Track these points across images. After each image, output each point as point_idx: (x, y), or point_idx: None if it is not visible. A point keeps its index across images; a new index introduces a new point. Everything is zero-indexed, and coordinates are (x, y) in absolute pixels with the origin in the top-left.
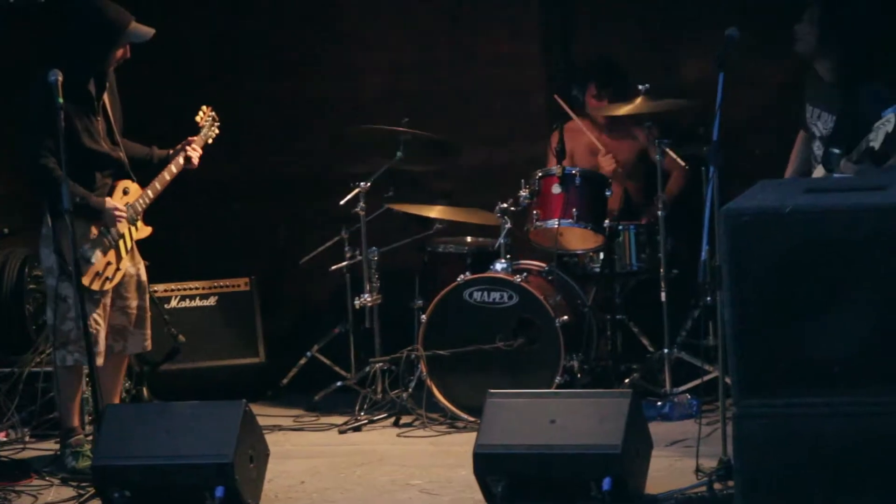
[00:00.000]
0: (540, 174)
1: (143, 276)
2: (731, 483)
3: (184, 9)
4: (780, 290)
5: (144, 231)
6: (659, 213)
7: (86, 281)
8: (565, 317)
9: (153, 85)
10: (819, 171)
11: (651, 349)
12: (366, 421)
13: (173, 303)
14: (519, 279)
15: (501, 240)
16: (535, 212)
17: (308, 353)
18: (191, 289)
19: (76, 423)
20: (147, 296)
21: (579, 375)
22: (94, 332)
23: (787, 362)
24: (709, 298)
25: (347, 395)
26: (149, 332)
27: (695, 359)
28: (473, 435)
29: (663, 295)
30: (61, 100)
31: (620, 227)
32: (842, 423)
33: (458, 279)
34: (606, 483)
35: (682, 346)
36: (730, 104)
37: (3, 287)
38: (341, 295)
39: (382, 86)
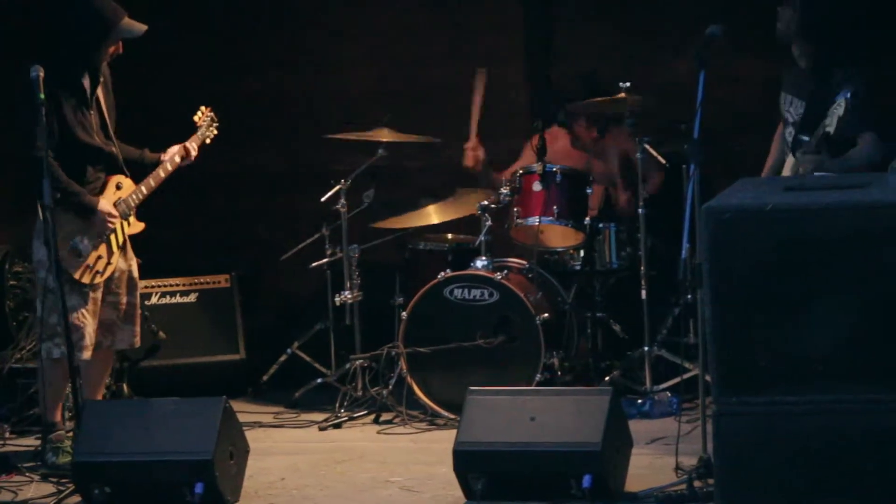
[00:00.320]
0: (521, 171)
1: (135, 273)
2: (711, 481)
3: (167, 6)
4: (760, 288)
5: (137, 227)
6: (639, 210)
7: (76, 274)
8: (546, 314)
9: (131, 81)
10: (790, 160)
11: (631, 347)
12: (346, 418)
13: (154, 299)
14: (499, 276)
15: (482, 237)
16: (515, 209)
17: (288, 350)
18: (171, 285)
19: (58, 417)
20: (138, 292)
21: (559, 373)
22: (81, 325)
23: (768, 360)
24: (689, 296)
25: (328, 392)
26: (138, 328)
27: (675, 357)
28: (453, 432)
29: (644, 293)
30: (42, 95)
31: (601, 225)
32: (822, 421)
33: (439, 276)
34: (586, 480)
35: (663, 344)
36: (711, 102)
37: None
38: (322, 292)
39: (367, 81)
